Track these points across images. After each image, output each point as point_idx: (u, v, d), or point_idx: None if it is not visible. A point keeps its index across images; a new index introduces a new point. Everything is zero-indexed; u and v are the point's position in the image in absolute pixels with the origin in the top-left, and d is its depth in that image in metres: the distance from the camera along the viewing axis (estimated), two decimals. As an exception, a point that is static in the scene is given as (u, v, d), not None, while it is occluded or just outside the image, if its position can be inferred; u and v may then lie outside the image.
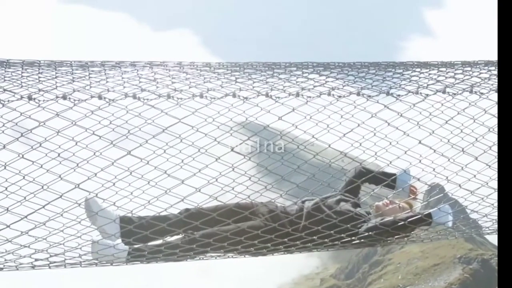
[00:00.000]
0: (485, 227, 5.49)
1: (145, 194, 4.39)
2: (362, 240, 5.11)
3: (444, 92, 4.71)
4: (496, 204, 5.03)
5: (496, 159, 4.89)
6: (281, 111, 4.37)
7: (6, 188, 4.12)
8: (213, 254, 4.97)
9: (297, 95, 4.42)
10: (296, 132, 4.51)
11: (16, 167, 4.03)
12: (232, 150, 4.37)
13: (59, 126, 3.99)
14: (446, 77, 5.05)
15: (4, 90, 3.99)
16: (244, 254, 5.03)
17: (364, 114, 4.57)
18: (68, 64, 4.88)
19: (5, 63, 4.70)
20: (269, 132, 4.69)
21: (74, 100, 4.02)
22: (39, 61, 4.88)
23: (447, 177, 4.82)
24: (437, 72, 5.24)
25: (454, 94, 4.74)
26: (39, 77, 4.42)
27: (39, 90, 4.06)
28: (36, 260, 4.43)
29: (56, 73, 4.57)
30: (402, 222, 5.07)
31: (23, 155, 4.00)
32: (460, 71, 5.24)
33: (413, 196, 5.56)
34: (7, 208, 4.08)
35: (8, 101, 3.93)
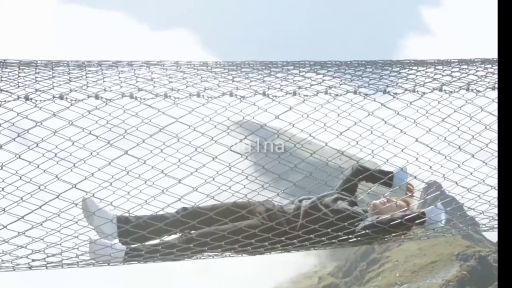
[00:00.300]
0: (482, 224, 5.49)
1: (142, 193, 4.39)
2: (359, 238, 5.11)
3: (440, 90, 4.71)
4: (493, 201, 5.04)
5: (493, 157, 4.91)
6: (278, 110, 4.37)
7: (3, 189, 4.13)
8: (210, 254, 4.97)
9: (294, 93, 4.42)
10: (293, 131, 4.51)
11: (13, 168, 4.02)
12: (229, 149, 4.37)
13: (56, 126, 3.99)
14: (442, 75, 5.05)
15: (1, 90, 3.99)
16: (241, 253, 5.03)
17: (361, 112, 4.58)
18: (65, 64, 4.87)
19: (2, 63, 4.69)
20: (266, 131, 4.70)
21: (71, 100, 4.02)
22: (36, 61, 4.88)
23: (443, 175, 4.82)
24: (434, 70, 5.25)
25: (451, 92, 4.74)
26: (36, 77, 4.42)
27: (36, 90, 4.05)
28: (33, 260, 4.42)
29: (53, 73, 4.57)
30: (399, 220, 5.07)
31: (19, 156, 4.00)
32: (457, 69, 5.25)
33: (410, 194, 5.57)
34: (4, 209, 4.08)
35: (5, 101, 3.93)
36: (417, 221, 5.15)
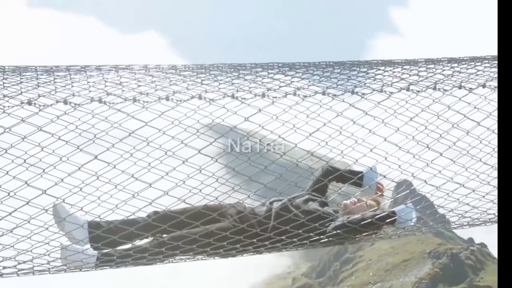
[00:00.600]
0: (452, 222, 5.54)
1: (113, 198, 4.36)
2: (331, 239, 5.13)
3: (408, 89, 4.75)
4: (461, 199, 5.10)
5: (461, 155, 4.97)
6: (248, 112, 4.38)
7: (-27, 196, 4.09)
8: (182, 257, 4.96)
9: (263, 95, 4.43)
10: (263, 133, 4.53)
11: (-18, 174, 4.00)
12: (199, 152, 4.37)
13: (25, 132, 3.96)
14: (410, 75, 5.10)
15: (-33, 97, 3.96)
16: (213, 256, 5.03)
17: (330, 113, 4.60)
18: (33, 69, 4.84)
19: (-33, 69, 4.66)
20: (236, 133, 4.70)
21: (40, 105, 4.00)
22: (4, 66, 4.84)
23: (412, 174, 4.86)
24: (401, 70, 5.29)
25: (418, 91, 4.78)
26: (4, 82, 4.39)
27: (4, 96, 4.03)
28: (4, 268, 4.39)
29: (20, 78, 4.54)
30: (369, 220, 5.11)
31: (-12, 162, 3.97)
32: (424, 69, 5.29)
33: (380, 193, 5.60)
34: (-26, 216, 4.05)
35: (-29, 108, 3.90)
36: (387, 220, 5.19)
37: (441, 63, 5.48)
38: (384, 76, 5.15)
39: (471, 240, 61.41)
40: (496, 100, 4.97)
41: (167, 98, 4.22)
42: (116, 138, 4.22)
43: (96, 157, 4.11)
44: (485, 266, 53.73)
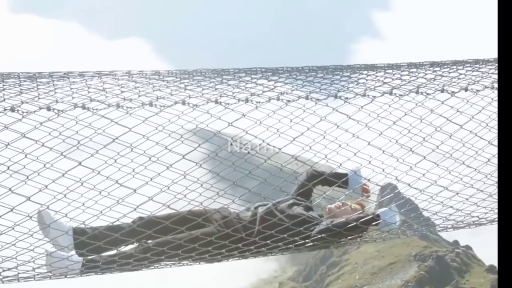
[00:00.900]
0: (437, 225, 5.57)
1: (98, 204, 4.36)
2: (316, 243, 5.14)
3: (391, 93, 4.78)
4: (445, 202, 5.13)
5: (445, 158, 5.00)
6: (232, 117, 4.39)
7: (-44, 204, 4.07)
8: (168, 262, 4.96)
9: (247, 100, 4.44)
10: (247, 138, 4.53)
11: (-34, 182, 3.98)
12: (183, 157, 4.37)
13: (8, 138, 3.95)
14: (392, 79, 5.12)
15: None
16: (199, 261, 5.03)
17: (313, 117, 4.62)
18: (16, 76, 4.82)
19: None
20: (220, 138, 4.71)
21: (23, 112, 3.99)
22: (-14, 73, 4.83)
23: (396, 177, 4.88)
24: (384, 74, 5.31)
25: (401, 95, 4.81)
26: (-14, 90, 4.37)
27: (-14, 103, 4.02)
28: (-12, 275, 4.38)
29: (3, 85, 4.52)
30: (354, 223, 5.12)
31: (-28, 170, 3.95)
32: (406, 73, 5.32)
33: (366, 195, 5.60)
34: (-42, 224, 4.03)
35: (-45, 115, 3.89)
36: (372, 224, 5.20)
37: (423, 67, 5.51)
38: (367, 80, 5.17)
39: (456, 242, 61.63)
40: (478, 103, 5.01)
41: (150, 104, 4.22)
42: (100, 144, 4.21)
43: (80, 164, 4.10)
44: (470, 268, 53.94)
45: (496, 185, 5.22)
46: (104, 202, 4.32)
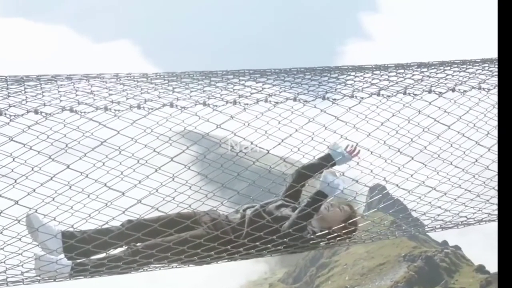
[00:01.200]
0: (426, 225, 5.59)
1: (86, 207, 4.35)
2: (305, 244, 5.15)
3: (378, 94, 4.78)
4: (433, 202, 5.15)
5: (432, 158, 5.01)
6: (220, 119, 4.39)
7: None
8: (157, 265, 4.96)
9: (235, 102, 4.44)
10: (236, 139, 4.54)
11: (-47, 186, 3.97)
12: (172, 159, 4.36)
13: (-4, 142, 3.94)
14: (380, 80, 5.13)
15: None
16: (188, 264, 5.03)
17: (301, 119, 4.62)
18: (3, 79, 4.81)
19: None
20: (208, 140, 4.71)
21: (10, 115, 3.98)
22: (-27, 77, 4.81)
23: (385, 178, 4.90)
24: (372, 75, 5.32)
25: (389, 96, 4.82)
26: (-27, 93, 4.36)
27: (-26, 107, 4.00)
28: (-23, 280, 4.36)
29: (-10, 88, 4.52)
30: (303, 207, 5.12)
31: (-41, 173, 3.94)
32: (394, 74, 5.33)
33: (355, 154, 5.50)
34: None
35: None
36: (317, 197, 5.17)
37: (411, 68, 5.53)
38: (355, 81, 5.18)
39: (445, 242, 61.92)
40: (466, 104, 5.04)
41: (138, 107, 4.21)
42: (88, 147, 4.20)
43: (68, 167, 4.09)
44: (459, 268, 54.18)
45: (484, 185, 5.26)
46: (92, 205, 4.31)
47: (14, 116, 3.98)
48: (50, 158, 4.05)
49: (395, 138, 4.88)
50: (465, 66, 5.65)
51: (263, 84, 4.92)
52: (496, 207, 5.44)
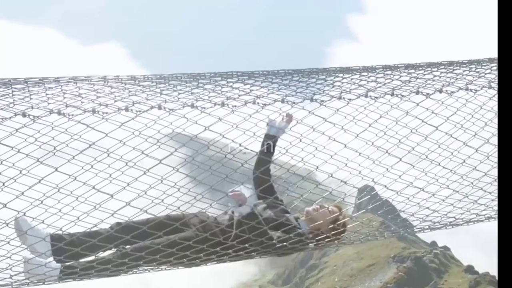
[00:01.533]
0: (414, 226, 5.60)
1: (75, 210, 4.35)
2: (295, 245, 5.16)
3: (366, 96, 4.80)
4: (422, 203, 5.16)
5: (421, 159, 5.03)
6: (208, 121, 4.39)
7: None
8: (146, 268, 4.95)
9: (223, 104, 4.44)
10: (224, 141, 4.54)
11: None
12: (160, 162, 4.36)
13: (-17, 146, 3.94)
14: (368, 82, 5.15)
15: None
16: (177, 266, 5.02)
17: (290, 120, 4.63)
18: (-10, 82, 4.80)
19: None
20: (197, 142, 4.71)
21: (-2, 118, 3.97)
22: (-40, 80, 4.80)
23: (373, 179, 4.91)
24: (359, 76, 5.34)
25: (376, 97, 4.83)
26: (-39, 96, 4.35)
27: (-39, 110, 4.00)
28: (-35, 283, 4.35)
29: (-23, 92, 4.51)
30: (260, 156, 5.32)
31: None
32: (382, 75, 5.35)
33: (289, 118, 5.50)
34: None
35: None
36: (267, 140, 5.34)
37: (398, 70, 5.55)
38: (342, 83, 5.19)
39: (434, 243, 62.07)
40: (453, 105, 5.05)
41: (126, 109, 4.21)
42: (77, 150, 4.20)
43: (56, 170, 4.08)
44: (448, 269, 54.33)
45: (472, 186, 5.28)
46: (81, 208, 4.31)
47: (2, 119, 3.97)
48: (38, 161, 4.05)
49: (383, 139, 4.89)
50: (452, 67, 5.67)
51: (251, 86, 4.93)
52: (484, 207, 5.47)
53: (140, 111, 4.24)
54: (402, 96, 4.89)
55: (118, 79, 5.01)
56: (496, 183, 5.24)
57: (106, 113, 4.18)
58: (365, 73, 5.43)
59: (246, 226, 4.95)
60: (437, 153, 5.11)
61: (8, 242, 4.38)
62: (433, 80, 5.26)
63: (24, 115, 4.00)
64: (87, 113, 4.14)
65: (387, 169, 4.92)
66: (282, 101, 4.59)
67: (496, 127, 5.08)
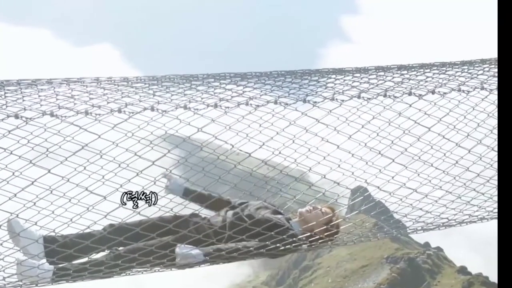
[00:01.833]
0: (407, 227, 5.60)
1: (68, 212, 4.34)
2: (288, 247, 5.15)
3: (359, 97, 4.80)
4: (415, 204, 5.17)
5: (413, 160, 5.04)
6: (201, 122, 4.39)
7: None
8: (139, 269, 4.94)
9: (216, 106, 4.44)
10: (217, 143, 4.54)
11: None
12: (153, 163, 4.36)
13: (-24, 147, 3.93)
14: (360, 83, 5.15)
15: None
16: (170, 268, 5.01)
17: (282, 122, 4.64)
18: (-17, 84, 4.80)
19: None
20: (190, 144, 4.71)
21: (-10, 120, 3.97)
22: (-48, 82, 4.79)
23: (366, 180, 4.91)
24: (352, 78, 5.34)
25: (369, 98, 4.84)
26: (-46, 98, 4.34)
27: (-47, 112, 3.99)
28: (-42, 285, 4.34)
29: (-30, 93, 4.50)
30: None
31: None
32: (374, 76, 5.36)
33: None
34: None
35: None
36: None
37: (391, 71, 5.56)
38: (335, 84, 5.20)
39: (427, 244, 62.16)
40: (446, 106, 5.07)
41: (119, 111, 4.20)
42: (69, 152, 4.20)
43: (49, 171, 4.08)
44: (441, 269, 54.45)
45: (464, 186, 5.29)
46: (74, 209, 4.30)
47: (-6, 121, 3.97)
48: (31, 163, 4.05)
49: (376, 141, 4.90)
50: (444, 68, 5.68)
51: (244, 87, 4.93)
52: (476, 208, 5.48)
53: (133, 113, 4.24)
54: (395, 97, 4.90)
55: (111, 81, 5.01)
56: (489, 184, 5.26)
57: (99, 114, 4.18)
58: (358, 74, 5.44)
59: (239, 228, 4.95)
60: (430, 154, 5.11)
61: (1, 244, 4.37)
62: (426, 81, 5.27)
63: (16, 116, 4.00)
64: (80, 115, 4.13)
65: (380, 170, 4.92)
66: (275, 103, 4.60)
67: (488, 128, 5.10)
